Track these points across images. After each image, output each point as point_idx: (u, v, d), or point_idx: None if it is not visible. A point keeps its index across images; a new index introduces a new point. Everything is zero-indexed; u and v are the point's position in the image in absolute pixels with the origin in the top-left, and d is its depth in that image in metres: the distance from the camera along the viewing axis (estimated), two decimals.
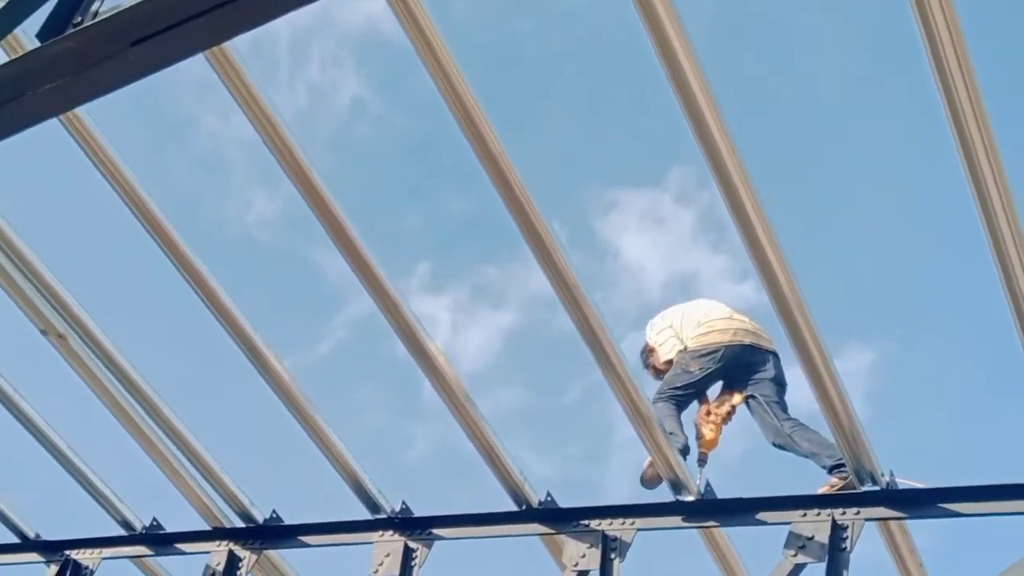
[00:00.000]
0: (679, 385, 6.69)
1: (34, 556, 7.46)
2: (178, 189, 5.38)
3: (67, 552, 7.30)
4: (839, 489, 5.95)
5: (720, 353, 6.71)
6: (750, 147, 4.74)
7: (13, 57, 3.75)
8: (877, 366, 12.11)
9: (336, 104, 12.15)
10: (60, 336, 6.18)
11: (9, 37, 4.27)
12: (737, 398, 6.75)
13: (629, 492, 6.73)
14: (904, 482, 5.69)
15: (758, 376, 6.67)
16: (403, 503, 6.49)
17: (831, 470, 6.12)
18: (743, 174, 4.73)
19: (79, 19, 3.54)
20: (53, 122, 5.04)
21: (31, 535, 7.52)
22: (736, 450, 6.63)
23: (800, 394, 6.24)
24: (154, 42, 3.45)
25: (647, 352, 7.20)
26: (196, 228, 5.74)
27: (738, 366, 6.71)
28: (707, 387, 6.79)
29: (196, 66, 4.41)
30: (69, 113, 5.11)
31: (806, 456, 6.28)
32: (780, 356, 6.74)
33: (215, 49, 4.74)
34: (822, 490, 6.02)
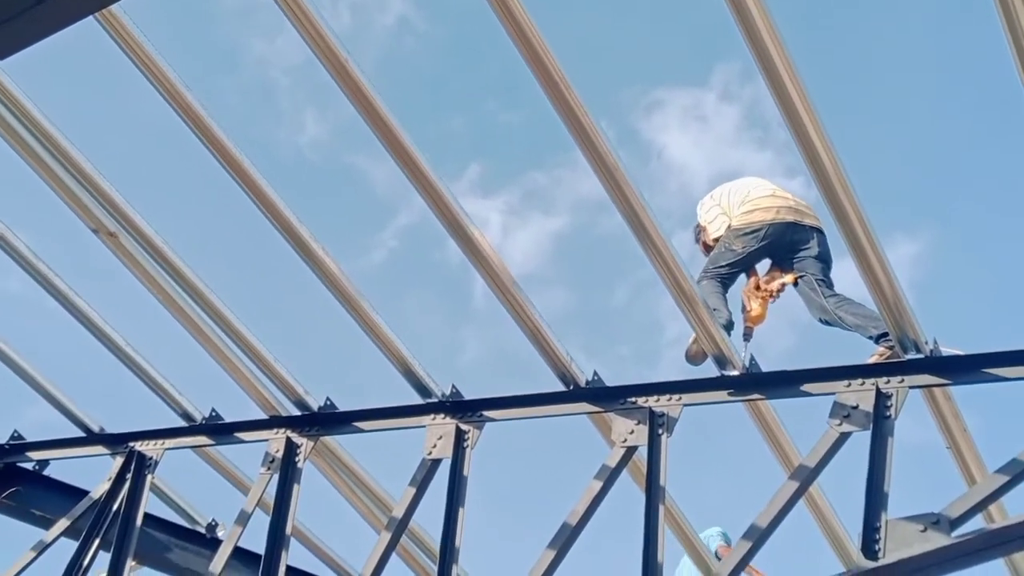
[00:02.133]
0: (723, 264, 6.73)
1: (99, 449, 7.69)
2: (228, 113, 5.43)
3: (131, 444, 7.52)
4: (885, 359, 6.01)
5: (763, 231, 6.73)
6: (793, 37, 4.72)
7: None
8: (921, 255, 12.05)
9: (380, 24, 12.05)
10: (111, 234, 6.30)
11: None
12: (789, 276, 6.78)
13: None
14: (948, 350, 5.72)
15: (802, 253, 6.68)
16: (453, 387, 6.62)
17: (877, 339, 6.17)
18: (789, 66, 4.73)
19: None
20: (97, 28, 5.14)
21: (95, 429, 7.75)
22: (781, 344, 6.68)
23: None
24: None
25: (698, 230, 7.24)
26: (247, 150, 5.79)
27: (782, 244, 6.73)
28: (752, 264, 6.82)
29: None
30: (110, 17, 5.15)
31: (852, 329, 6.32)
32: (825, 232, 6.75)
33: None
34: (869, 360, 6.08)
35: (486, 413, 6.55)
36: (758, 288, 6.75)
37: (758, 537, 5.52)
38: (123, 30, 5.30)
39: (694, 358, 6.50)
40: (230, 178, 5.90)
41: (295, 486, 6.82)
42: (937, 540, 5.06)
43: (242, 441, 7.37)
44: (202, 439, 7.48)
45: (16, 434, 7.95)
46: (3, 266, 6.71)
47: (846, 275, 6.66)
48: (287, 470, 6.87)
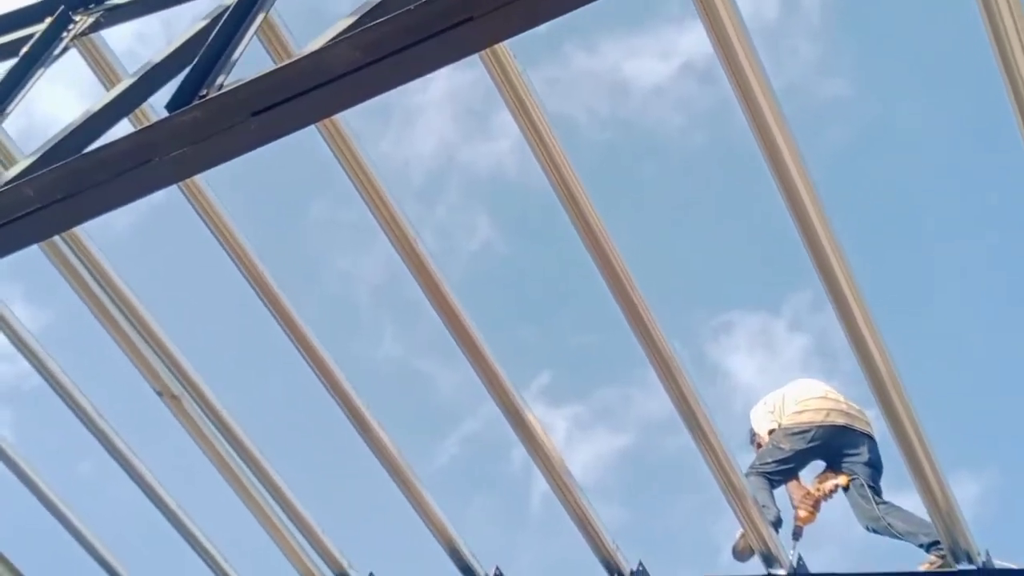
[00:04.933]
0: (769, 460, 6.71)
1: None
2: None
3: None
4: (936, 568, 5.91)
5: (812, 433, 6.72)
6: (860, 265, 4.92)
7: (141, 127, 4.03)
8: (986, 495, 11.88)
9: (465, 247, 12.45)
10: (174, 397, 6.44)
11: (137, 111, 4.58)
12: (842, 478, 6.72)
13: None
14: (1001, 563, 5.63)
15: (853, 459, 6.65)
16: (496, 568, 6.59)
17: (928, 548, 6.07)
18: (860, 300, 4.89)
19: (205, 92, 3.82)
20: (180, 197, 5.43)
21: None
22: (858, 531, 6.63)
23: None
24: (272, 114, 3.71)
25: (753, 436, 7.26)
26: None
27: (832, 447, 6.70)
28: (801, 466, 6.78)
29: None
30: (193, 187, 5.42)
31: (902, 537, 6.23)
32: (875, 440, 6.73)
33: (359, 174, 5.09)
34: (920, 568, 5.98)
35: None
36: (807, 495, 6.71)
37: None
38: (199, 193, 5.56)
39: (741, 553, 6.43)
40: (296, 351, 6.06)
41: None
42: None
43: None
44: None
45: None
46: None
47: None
48: None
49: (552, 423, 12.49)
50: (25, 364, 6.51)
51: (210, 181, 5.55)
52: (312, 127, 5.09)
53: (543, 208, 5.07)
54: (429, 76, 3.63)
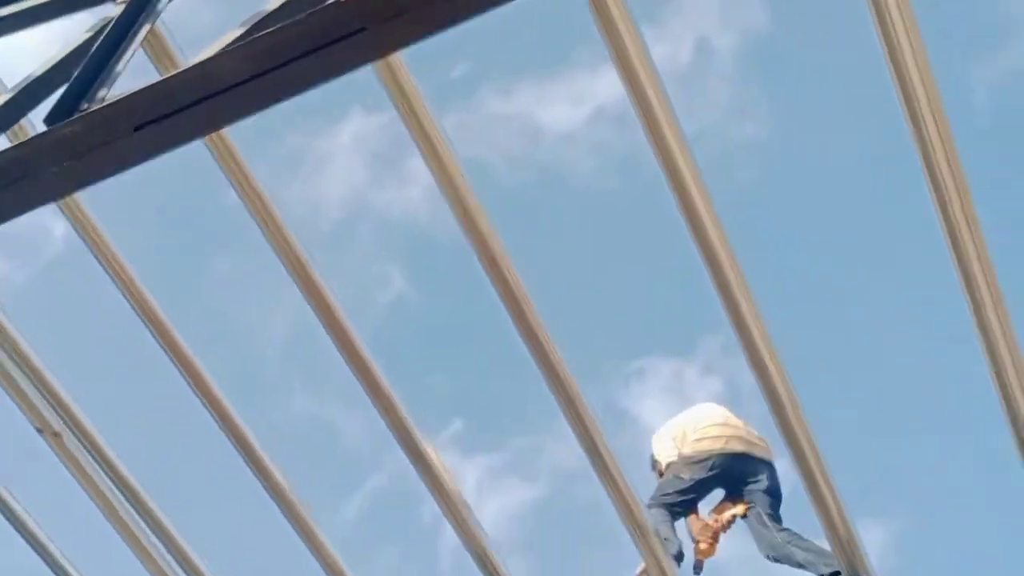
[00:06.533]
0: (670, 491, 6.65)
1: None
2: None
3: None
4: None
5: (711, 461, 6.70)
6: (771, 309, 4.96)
7: (16, 142, 3.84)
8: (887, 542, 12.02)
9: (376, 295, 12.34)
10: (55, 434, 6.18)
11: (16, 128, 4.39)
12: (740, 507, 6.70)
13: None
14: None
15: (752, 487, 6.63)
16: None
17: None
18: (769, 343, 4.92)
19: (85, 105, 3.65)
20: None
21: None
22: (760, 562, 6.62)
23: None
24: (156, 127, 3.56)
25: (653, 462, 7.19)
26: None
27: (732, 475, 6.68)
28: (702, 495, 6.75)
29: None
30: (73, 205, 5.23)
31: (802, 566, 6.21)
32: (775, 466, 6.72)
33: (273, 230, 4.99)
34: None
35: None
36: (706, 527, 6.66)
37: None
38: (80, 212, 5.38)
39: None
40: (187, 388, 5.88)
41: None
42: None
43: None
44: None
45: None
46: None
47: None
48: None
49: (464, 472, 12.37)
50: None
51: (111, 226, 5.44)
52: (222, 177, 5.00)
53: (455, 253, 5.06)
54: (339, 119, 3.53)
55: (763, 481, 6.62)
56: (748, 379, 5.12)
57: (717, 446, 6.72)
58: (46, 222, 5.44)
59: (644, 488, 6.63)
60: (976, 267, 4.43)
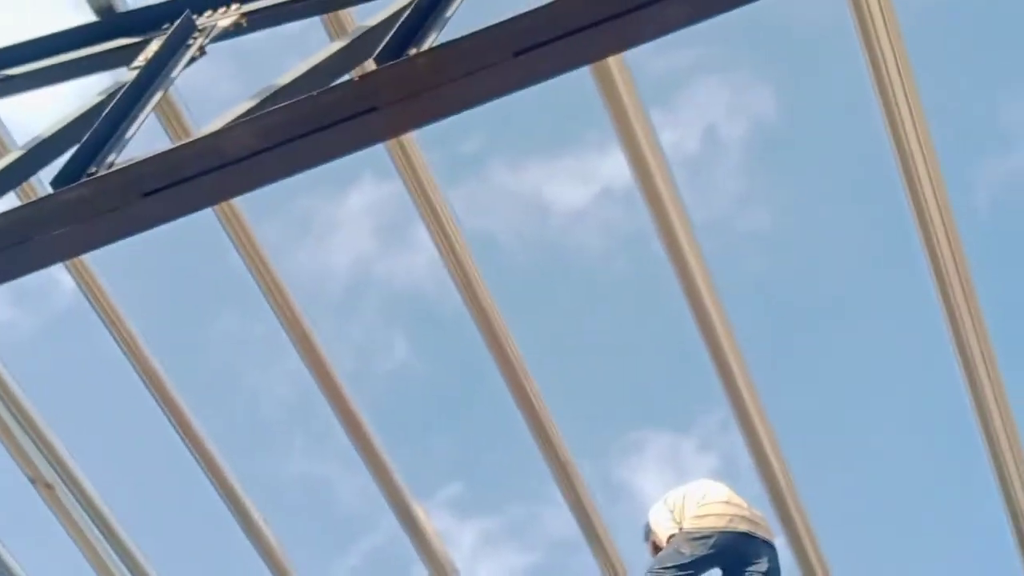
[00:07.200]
0: (670, 565, 6.54)
1: None
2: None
3: None
4: None
5: (713, 539, 6.59)
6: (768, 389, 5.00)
7: (25, 201, 3.86)
8: None
9: (378, 360, 12.39)
10: (47, 486, 6.15)
11: (24, 185, 4.40)
12: None
13: None
14: None
15: (752, 568, 6.54)
16: None
17: None
18: (766, 423, 4.95)
19: (94, 169, 3.66)
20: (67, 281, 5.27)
21: None
22: None
23: None
24: (163, 195, 3.57)
25: (648, 532, 7.10)
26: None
27: (733, 554, 6.58)
28: (699, 573, 6.64)
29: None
30: (77, 262, 5.24)
31: None
32: (776, 548, 6.63)
33: (279, 300, 5.00)
34: None
35: None
36: None
37: None
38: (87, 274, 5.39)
39: None
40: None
41: None
42: None
43: None
44: None
45: None
46: None
47: None
48: None
49: (460, 535, 12.31)
50: None
51: (115, 282, 5.48)
52: (226, 241, 5.02)
53: (460, 323, 5.12)
54: (349, 184, 3.56)
55: (764, 563, 6.53)
56: (745, 457, 5.12)
57: (720, 524, 6.61)
58: (55, 272, 5.45)
59: (638, 560, 6.57)
60: (982, 371, 4.44)
